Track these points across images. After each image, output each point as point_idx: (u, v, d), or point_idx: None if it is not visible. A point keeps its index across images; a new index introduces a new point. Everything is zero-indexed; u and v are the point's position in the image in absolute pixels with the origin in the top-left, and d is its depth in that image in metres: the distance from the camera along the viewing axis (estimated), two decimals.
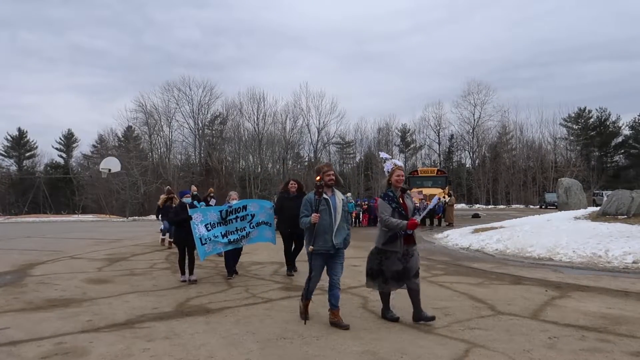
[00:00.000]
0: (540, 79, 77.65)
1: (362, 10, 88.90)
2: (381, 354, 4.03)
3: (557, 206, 27.94)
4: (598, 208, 15.69)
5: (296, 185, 8.37)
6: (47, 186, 47.03)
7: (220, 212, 7.61)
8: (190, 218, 7.29)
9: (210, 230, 7.42)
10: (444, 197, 23.32)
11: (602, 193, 35.87)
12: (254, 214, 7.84)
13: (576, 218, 14.42)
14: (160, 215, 12.86)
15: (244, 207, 7.84)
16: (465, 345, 4.26)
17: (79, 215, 37.80)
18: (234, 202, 8.01)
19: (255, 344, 4.37)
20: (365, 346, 4.25)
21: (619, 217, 13.02)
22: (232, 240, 7.62)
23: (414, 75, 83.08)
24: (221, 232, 7.52)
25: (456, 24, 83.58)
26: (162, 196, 12.92)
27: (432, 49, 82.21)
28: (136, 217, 35.18)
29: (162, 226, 12.95)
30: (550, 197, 39.26)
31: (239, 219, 7.73)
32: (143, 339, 4.52)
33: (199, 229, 7.31)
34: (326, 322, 5.06)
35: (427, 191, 23.80)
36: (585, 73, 75.08)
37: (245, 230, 7.78)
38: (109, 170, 33.61)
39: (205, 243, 7.35)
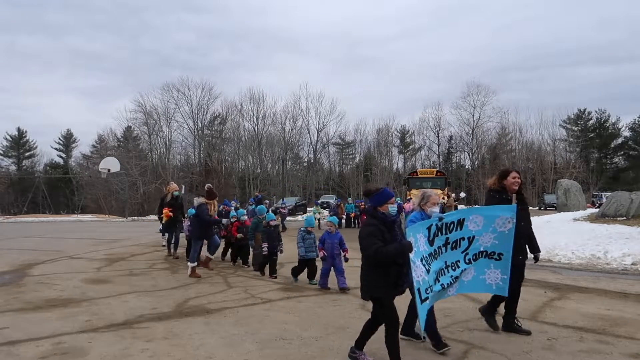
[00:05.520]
0: (531, 82, 78.07)
1: (352, 16, 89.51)
2: (380, 355, 4.03)
3: (556, 207, 27.96)
4: (597, 210, 15.71)
5: (519, 181, 4.81)
6: (47, 186, 46.94)
7: (429, 229, 4.07)
8: None
9: (429, 271, 3.96)
10: (442, 199, 23.36)
11: (602, 195, 35.92)
12: (472, 237, 4.33)
13: (575, 219, 14.43)
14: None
15: (460, 224, 4.27)
16: (464, 346, 4.26)
17: (78, 215, 37.72)
18: (435, 210, 4.30)
19: (254, 344, 4.38)
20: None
21: (618, 218, 13.04)
22: (444, 285, 4.15)
23: (407, 79, 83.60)
24: (435, 272, 4.07)
25: (442, 29, 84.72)
26: (202, 199, 8.60)
27: (420, 54, 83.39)
28: (135, 217, 35.09)
29: (160, 227, 11.37)
30: (549, 198, 39.24)
31: (449, 246, 4.24)
32: (142, 339, 4.52)
33: (416, 270, 3.74)
34: (325, 323, 5.06)
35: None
36: (575, 77, 75.46)
37: (458, 266, 4.29)
38: (109, 170, 33.48)
39: (427, 298, 3.83)
